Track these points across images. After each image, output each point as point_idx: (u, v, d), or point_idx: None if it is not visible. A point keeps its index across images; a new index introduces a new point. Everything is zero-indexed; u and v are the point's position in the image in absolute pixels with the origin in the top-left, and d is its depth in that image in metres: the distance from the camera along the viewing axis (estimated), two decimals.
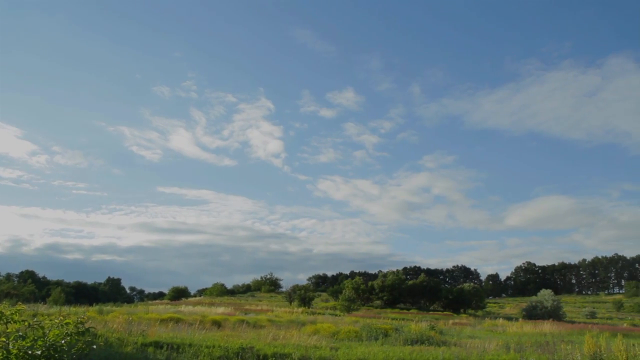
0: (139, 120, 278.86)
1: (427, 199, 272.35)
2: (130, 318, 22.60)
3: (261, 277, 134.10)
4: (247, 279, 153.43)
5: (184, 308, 48.19)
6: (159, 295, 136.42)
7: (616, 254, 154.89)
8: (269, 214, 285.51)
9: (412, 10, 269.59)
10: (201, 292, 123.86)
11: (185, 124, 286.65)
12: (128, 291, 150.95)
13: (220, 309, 47.06)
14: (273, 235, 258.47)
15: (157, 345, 14.83)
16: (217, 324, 26.67)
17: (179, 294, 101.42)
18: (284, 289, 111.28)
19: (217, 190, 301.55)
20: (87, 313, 26.24)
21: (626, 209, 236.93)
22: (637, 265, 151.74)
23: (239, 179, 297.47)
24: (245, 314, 42.39)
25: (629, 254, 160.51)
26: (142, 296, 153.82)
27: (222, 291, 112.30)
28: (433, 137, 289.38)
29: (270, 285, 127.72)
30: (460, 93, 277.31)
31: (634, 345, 14.99)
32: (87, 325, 9.50)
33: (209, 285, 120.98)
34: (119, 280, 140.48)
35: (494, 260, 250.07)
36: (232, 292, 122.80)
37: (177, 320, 25.87)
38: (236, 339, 17.29)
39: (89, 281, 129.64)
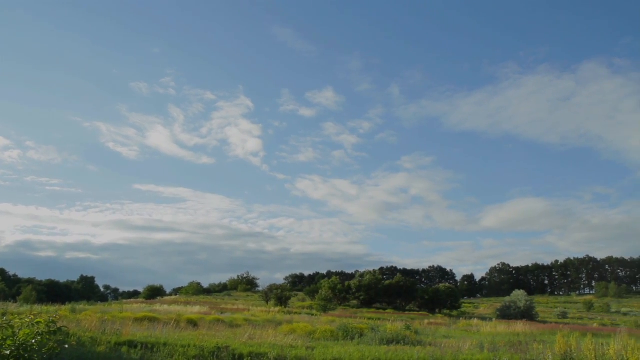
0: (115, 116, 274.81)
1: (404, 199, 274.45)
2: (104, 317, 22.28)
3: (238, 276, 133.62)
4: (224, 278, 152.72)
5: (159, 307, 47.68)
6: (134, 294, 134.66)
7: (587, 255, 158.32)
8: (247, 213, 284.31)
9: (392, 12, 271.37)
10: (177, 291, 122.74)
11: (163, 121, 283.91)
12: (102, 290, 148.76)
13: (196, 308, 46.68)
14: (250, 234, 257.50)
15: (131, 344, 14.65)
16: (193, 323, 26.45)
17: (155, 293, 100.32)
18: (260, 288, 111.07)
19: (195, 188, 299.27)
20: (59, 312, 25.77)
21: (597, 212, 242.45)
22: (607, 267, 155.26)
23: (217, 177, 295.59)
24: (222, 313, 42.11)
25: (600, 255, 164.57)
26: (116, 295, 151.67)
27: (198, 290, 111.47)
28: (411, 138, 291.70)
29: (247, 284, 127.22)
30: (438, 95, 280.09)
31: (602, 344, 15.33)
32: (59, 325, 9.33)
33: (185, 284, 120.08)
34: (92, 278, 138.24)
35: (469, 261, 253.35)
36: (209, 291, 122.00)
37: (152, 320, 25.57)
38: (212, 338, 17.17)
39: (62, 279, 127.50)
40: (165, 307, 48.49)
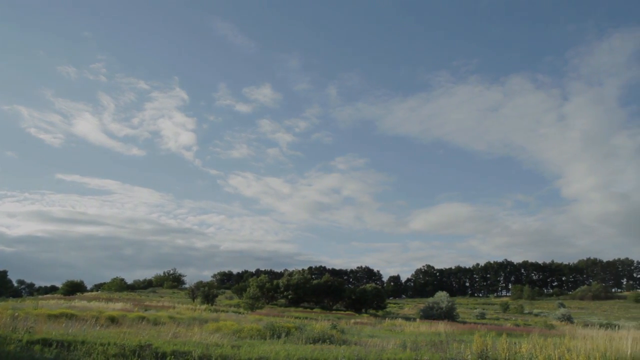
0: (39, 100, 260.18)
1: (336, 199, 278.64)
2: (16, 313, 20.96)
3: (164, 273, 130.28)
4: (150, 274, 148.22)
5: (79, 303, 45.50)
6: (51, 290, 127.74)
7: (505, 259, 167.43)
8: (177, 208, 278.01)
9: (332, 15, 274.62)
10: (99, 287, 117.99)
11: (92, 109, 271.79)
12: (15, 285, 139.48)
13: (119, 305, 44.97)
14: (179, 230, 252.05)
15: (46, 342, 13.87)
16: (114, 320, 25.44)
17: (74, 289, 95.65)
18: (187, 286, 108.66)
19: (123, 180, 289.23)
20: None
21: (517, 218, 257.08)
22: (522, 270, 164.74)
23: (147, 170, 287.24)
24: (145, 310, 40.80)
25: (517, 259, 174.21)
26: (31, 290, 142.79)
27: (121, 286, 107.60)
28: (346, 139, 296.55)
29: (173, 281, 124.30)
30: (374, 98, 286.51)
31: (515, 343, 16.21)
32: None
33: (108, 280, 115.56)
34: (4, 272, 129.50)
35: (397, 262, 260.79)
36: (133, 288, 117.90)
37: (70, 316, 24.34)
38: (134, 336, 16.60)
39: None
40: (85, 303, 46.35)
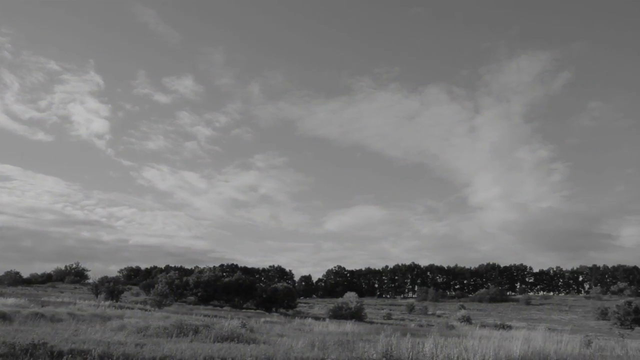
0: None
1: (253, 197, 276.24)
2: None
3: (66, 267, 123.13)
4: (50, 267, 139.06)
5: None
6: None
7: (413, 262, 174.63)
8: (84, 199, 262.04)
9: (259, 13, 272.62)
10: None
11: None
12: None
13: (11, 300, 41.71)
14: (86, 222, 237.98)
15: None
16: (5, 317, 23.66)
17: None
18: (91, 281, 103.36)
19: (25, 167, 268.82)
20: None
21: (427, 223, 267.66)
22: (428, 273, 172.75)
23: (53, 157, 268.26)
24: (42, 306, 38.27)
25: (424, 263, 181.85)
26: None
27: (15, 280, 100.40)
28: (267, 137, 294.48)
29: (76, 275, 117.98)
30: (296, 99, 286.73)
31: (418, 343, 16.94)
32: None
33: (1, 274, 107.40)
34: None
35: (309, 263, 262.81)
36: (29, 282, 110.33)
37: None
38: (27, 334, 15.54)
39: None
40: None
